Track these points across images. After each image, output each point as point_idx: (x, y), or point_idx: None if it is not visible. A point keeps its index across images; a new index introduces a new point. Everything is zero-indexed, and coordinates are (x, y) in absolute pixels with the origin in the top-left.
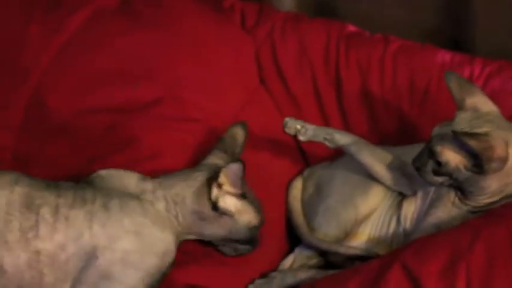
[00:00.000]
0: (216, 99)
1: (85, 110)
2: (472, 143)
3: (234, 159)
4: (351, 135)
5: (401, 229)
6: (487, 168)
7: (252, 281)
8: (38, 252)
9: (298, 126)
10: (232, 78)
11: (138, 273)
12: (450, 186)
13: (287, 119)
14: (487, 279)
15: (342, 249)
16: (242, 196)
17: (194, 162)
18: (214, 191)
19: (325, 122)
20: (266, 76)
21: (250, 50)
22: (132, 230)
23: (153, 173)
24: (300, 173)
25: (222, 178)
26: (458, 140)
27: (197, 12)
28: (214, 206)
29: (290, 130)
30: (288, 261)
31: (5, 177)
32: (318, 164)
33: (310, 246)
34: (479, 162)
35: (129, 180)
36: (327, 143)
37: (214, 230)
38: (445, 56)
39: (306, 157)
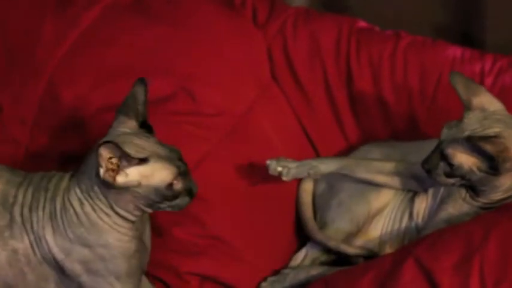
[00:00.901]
0: (228, 94)
1: (98, 105)
2: (488, 148)
3: (108, 137)
4: (336, 160)
5: (413, 224)
6: (502, 169)
7: (264, 279)
8: (15, 251)
9: (280, 168)
10: (244, 73)
11: (109, 278)
12: (462, 186)
13: (269, 162)
14: (500, 273)
15: (348, 250)
16: (140, 161)
17: (206, 156)
18: (104, 175)
19: (336, 117)
20: (277, 71)
21: (262, 45)
22: (77, 242)
23: None
24: None
25: (103, 161)
26: (473, 144)
27: (209, 8)
28: (113, 186)
29: (274, 172)
30: (299, 256)
31: None
32: None
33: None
34: (494, 164)
35: (64, 182)
36: (313, 176)
37: (133, 203)
38: (455, 51)
39: (318, 152)
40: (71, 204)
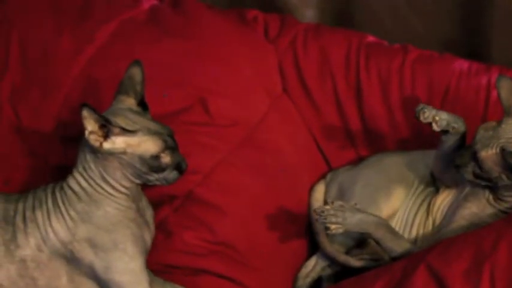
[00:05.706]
0: (241, 106)
1: None
2: None
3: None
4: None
5: (430, 220)
6: None
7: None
8: (23, 261)
9: None
10: (256, 86)
11: (116, 252)
12: (486, 187)
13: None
14: (510, 279)
15: (357, 264)
16: (129, 132)
17: (219, 164)
18: (89, 136)
19: (346, 128)
20: (288, 84)
21: (273, 59)
22: (79, 219)
23: None
24: (322, 176)
25: (88, 126)
26: (504, 157)
27: (222, 23)
28: (98, 150)
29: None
30: (310, 264)
31: None
32: (340, 167)
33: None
34: None
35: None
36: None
37: (120, 170)
38: (462, 64)
39: (329, 161)
40: (69, 186)
